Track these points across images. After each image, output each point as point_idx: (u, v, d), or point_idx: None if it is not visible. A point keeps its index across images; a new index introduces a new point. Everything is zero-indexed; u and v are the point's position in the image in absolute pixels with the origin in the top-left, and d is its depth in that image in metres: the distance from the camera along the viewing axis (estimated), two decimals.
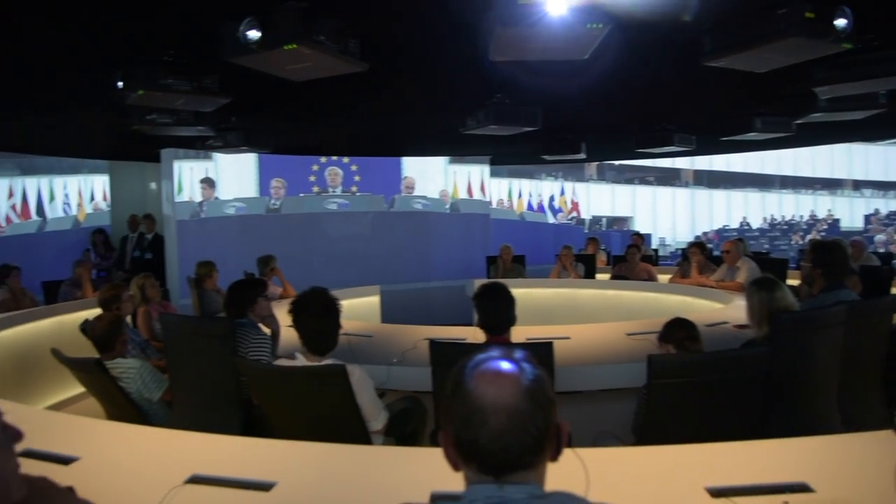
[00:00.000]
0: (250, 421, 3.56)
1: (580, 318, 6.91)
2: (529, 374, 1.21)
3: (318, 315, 2.94)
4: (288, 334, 4.20)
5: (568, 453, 1.42)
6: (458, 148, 10.39)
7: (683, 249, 10.12)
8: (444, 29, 4.17)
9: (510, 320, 3.35)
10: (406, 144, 10.35)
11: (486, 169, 11.46)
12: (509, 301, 3.33)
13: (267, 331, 3.99)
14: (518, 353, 1.27)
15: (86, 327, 4.83)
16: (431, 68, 5.19)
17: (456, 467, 1.24)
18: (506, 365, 1.22)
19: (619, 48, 4.14)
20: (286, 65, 3.69)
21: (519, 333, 3.58)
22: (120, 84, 4.38)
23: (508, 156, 11.15)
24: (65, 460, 2.15)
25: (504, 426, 1.15)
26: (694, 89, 6.05)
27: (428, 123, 7.91)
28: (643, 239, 10.98)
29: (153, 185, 10.86)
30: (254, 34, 3.47)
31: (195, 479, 2.01)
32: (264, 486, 1.95)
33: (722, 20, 3.69)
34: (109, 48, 4.52)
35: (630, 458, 2.20)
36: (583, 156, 8.82)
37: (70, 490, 1.35)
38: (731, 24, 3.65)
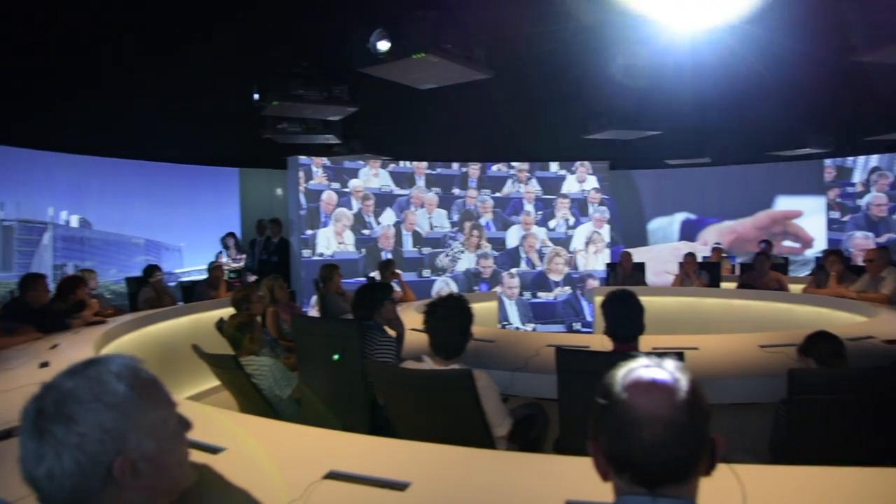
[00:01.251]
0: (376, 421, 3.64)
1: (706, 329, 6.64)
2: (685, 384, 1.17)
3: (449, 320, 2.97)
4: (412, 337, 4.30)
5: (722, 468, 1.36)
6: (577, 153, 10.27)
7: (818, 257, 9.55)
8: (567, 33, 4.15)
9: (639, 329, 3.26)
10: (524, 150, 10.34)
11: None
12: (639, 309, 3.25)
13: (392, 333, 4.07)
14: (670, 363, 1.23)
15: (221, 325, 5.11)
16: (554, 73, 5.17)
17: (605, 477, 1.22)
18: (660, 374, 1.19)
19: (752, 45, 3.97)
20: (413, 73, 3.78)
21: (644, 343, 3.49)
22: (256, 96, 4.61)
23: (628, 160, 10.89)
24: (213, 450, 2.27)
25: (659, 438, 1.12)
26: (838, 87, 5.71)
27: (546, 129, 7.87)
28: (772, 246, 10.43)
29: (279, 191, 11.37)
30: (383, 44, 3.57)
31: (333, 475, 2.08)
32: (399, 486, 1.99)
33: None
34: (246, 62, 4.79)
35: (789, 477, 2.08)
36: (707, 160, 8.50)
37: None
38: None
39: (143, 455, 1.14)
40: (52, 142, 8.72)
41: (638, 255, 10.32)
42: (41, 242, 9.08)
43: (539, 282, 10.89)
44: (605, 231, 11.20)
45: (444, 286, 10.70)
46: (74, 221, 9.50)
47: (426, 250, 10.73)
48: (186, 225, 10.78)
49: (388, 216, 10.58)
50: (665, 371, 1.19)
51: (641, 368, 1.21)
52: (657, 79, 4.60)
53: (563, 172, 11.11)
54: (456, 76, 3.85)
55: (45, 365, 4.01)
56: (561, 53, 4.62)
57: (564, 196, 11.06)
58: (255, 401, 3.80)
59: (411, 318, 4.44)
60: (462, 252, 10.86)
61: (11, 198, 8.77)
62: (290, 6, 3.87)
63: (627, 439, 1.14)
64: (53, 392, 1.13)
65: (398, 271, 7.19)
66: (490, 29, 3.82)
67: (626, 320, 3.27)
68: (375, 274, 7.19)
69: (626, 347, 3.25)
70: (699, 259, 8.88)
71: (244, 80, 4.97)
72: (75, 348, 4.58)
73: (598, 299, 7.84)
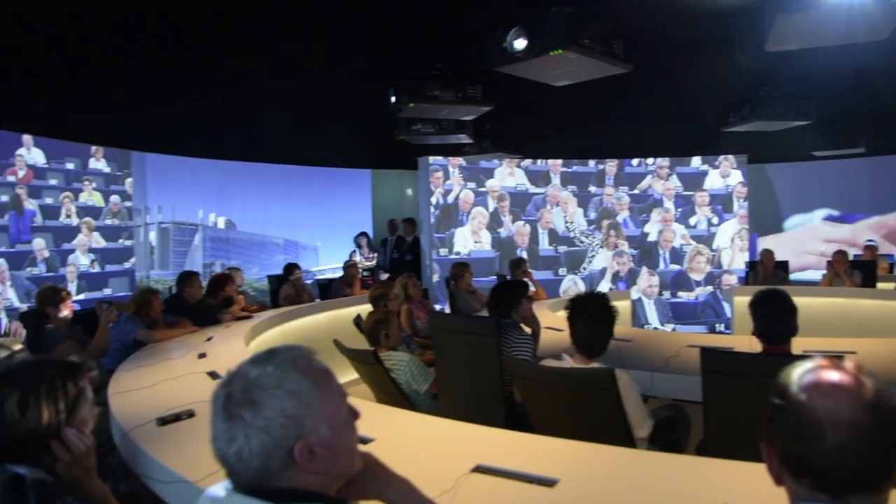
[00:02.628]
0: (512, 418, 3.65)
1: (860, 332, 6.18)
2: (871, 386, 1.10)
3: (593, 318, 2.94)
4: (544, 335, 4.29)
5: None
6: (713, 147, 9.85)
7: None
8: (706, 23, 3.99)
9: (792, 330, 3.09)
10: (659, 146, 10.04)
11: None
12: (791, 309, 3.08)
13: (528, 330, 4.08)
14: (850, 364, 1.16)
15: (359, 321, 5.30)
16: (693, 64, 4.99)
17: (779, 481, 1.16)
18: (842, 375, 1.12)
19: None
20: (550, 70, 3.76)
21: (794, 345, 3.30)
22: (392, 99, 4.74)
23: (770, 153, 10.30)
24: (363, 440, 2.36)
25: (844, 442, 1.05)
26: None
27: (685, 123, 7.61)
28: None
29: (409, 192, 11.65)
30: (520, 43, 3.57)
31: (480, 469, 2.11)
32: (548, 482, 1.99)
33: None
34: (381, 65, 4.93)
35: None
36: (861, 150, 7.90)
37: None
38: None
39: (320, 440, 1.21)
40: (202, 149, 9.39)
41: (773, 242, 9.77)
42: (192, 243, 9.77)
43: (679, 281, 10.51)
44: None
45: (571, 285, 10.58)
46: (221, 223, 10.16)
47: (562, 249, 10.64)
48: (322, 225, 11.27)
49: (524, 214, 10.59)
50: (846, 372, 1.12)
51: (820, 368, 1.14)
52: (808, 62, 4.33)
53: (705, 167, 10.66)
54: (594, 71, 3.80)
55: (202, 356, 4.31)
56: (700, 42, 4.44)
57: (706, 192, 10.60)
58: (393, 395, 3.90)
59: (543, 316, 4.42)
60: (599, 249, 10.68)
61: (168, 202, 9.50)
62: (425, 9, 3.94)
63: (808, 443, 1.08)
64: (240, 379, 1.22)
65: (529, 270, 7.18)
66: (628, 22, 3.74)
67: (777, 321, 3.10)
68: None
69: (776, 349, 3.09)
70: (850, 257, 8.29)
71: (378, 84, 5.12)
72: (227, 341, 4.89)
73: (739, 299, 7.50)
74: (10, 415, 1.60)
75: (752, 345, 3.32)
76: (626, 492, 1.96)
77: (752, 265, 8.81)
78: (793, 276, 8.92)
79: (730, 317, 9.77)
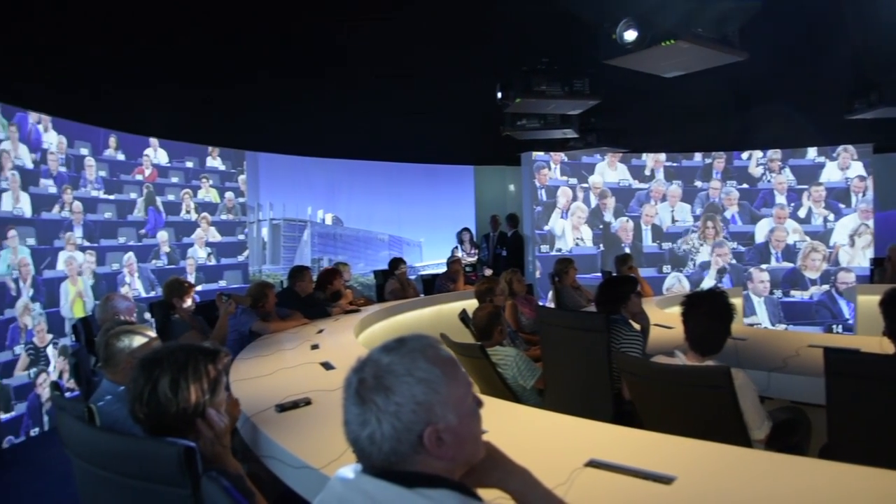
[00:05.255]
0: (620, 415, 3.60)
1: None
2: None
3: (709, 315, 2.86)
4: (654, 333, 4.20)
5: None
6: (832, 136, 9.31)
7: None
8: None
9: None
10: (771, 137, 9.59)
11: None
12: None
13: (637, 327, 4.01)
14: None
15: (465, 316, 5.35)
16: (813, 49, 4.74)
17: None
18: None
19: None
20: (661, 61, 3.67)
21: None
22: (499, 94, 4.75)
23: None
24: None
25: None
26: None
27: (801, 112, 7.24)
28: None
29: (511, 187, 11.64)
30: (630, 34, 3.50)
31: (593, 464, 2.09)
32: (664, 479, 1.95)
33: None
34: (489, 62, 4.95)
35: None
36: None
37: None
38: None
39: (447, 427, 1.25)
40: (311, 148, 9.74)
41: None
42: (301, 238, 10.14)
43: (792, 279, 9.99)
44: (873, 223, 9.94)
45: (675, 282, 10.29)
46: (329, 219, 10.49)
47: (666, 245, 10.36)
48: (425, 221, 11.44)
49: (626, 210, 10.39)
50: None
51: None
52: None
53: (821, 159, 10.08)
54: (708, 61, 3.67)
55: (315, 347, 4.46)
56: (821, 24, 4.22)
57: (821, 185, 10.02)
58: (498, 389, 3.92)
59: (650, 313, 4.31)
60: (701, 246, 10.33)
61: (278, 199, 9.90)
62: (532, 3, 3.93)
63: None
64: (372, 365, 1.27)
65: (635, 266, 7.04)
66: (744, 7, 3.59)
67: None
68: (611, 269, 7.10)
69: None
70: None
71: (483, 80, 5.15)
72: (338, 334, 5.05)
73: (863, 298, 7.07)
74: (163, 395, 1.76)
75: (883, 346, 3.13)
76: (748, 493, 1.90)
77: (877, 262, 8.28)
78: None
79: (849, 317, 9.23)
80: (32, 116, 6.11)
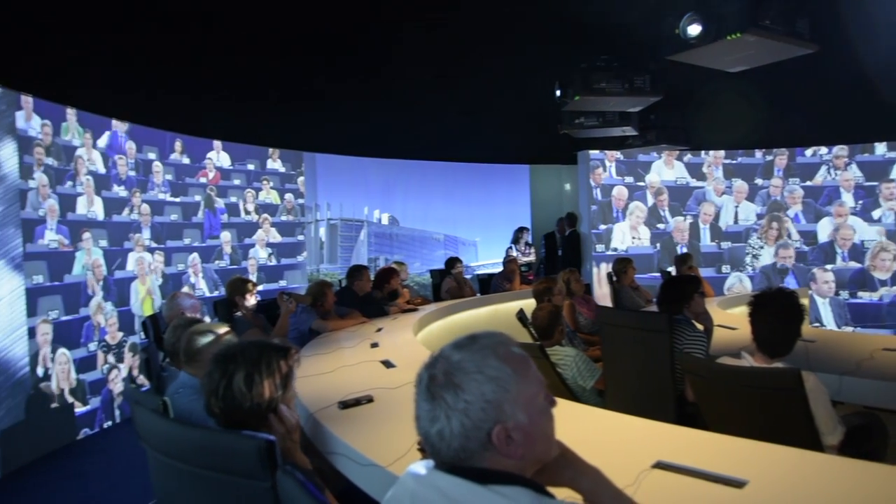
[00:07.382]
0: (683, 416, 3.54)
1: None
2: None
3: (777, 316, 2.79)
4: (718, 334, 4.11)
5: None
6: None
7: None
8: None
9: None
10: (836, 132, 9.27)
11: None
12: None
13: (700, 327, 3.93)
14: None
15: (522, 315, 5.33)
16: (882, 37, 4.57)
17: None
18: None
19: None
20: (725, 56, 3.59)
21: None
22: (557, 92, 4.72)
23: None
24: None
25: None
26: None
27: (869, 106, 6.99)
28: None
29: (567, 187, 11.55)
30: (694, 28, 3.44)
31: (661, 465, 2.06)
32: (735, 483, 1.91)
33: None
34: (545, 60, 4.93)
35: None
36: None
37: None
38: None
39: (517, 425, 1.25)
40: (367, 149, 9.86)
41: None
42: (358, 238, 10.26)
43: (859, 280, 9.62)
44: None
45: (736, 282, 10.04)
46: (385, 219, 10.58)
47: (725, 245, 10.13)
48: (481, 221, 11.44)
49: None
50: None
51: None
52: None
53: (892, 154, 9.68)
54: (775, 54, 3.58)
55: (375, 345, 4.51)
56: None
57: (893, 182, 9.61)
58: (558, 389, 3.90)
59: (712, 313, 4.22)
60: (762, 247, 10.06)
61: (336, 199, 10.04)
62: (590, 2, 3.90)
63: None
64: (443, 362, 1.28)
65: (695, 266, 6.91)
66: None
67: None
68: (671, 269, 6.97)
69: None
70: None
71: (541, 78, 5.13)
72: (397, 332, 5.09)
73: None
74: (237, 390, 1.80)
75: None
76: (824, 499, 1.84)
77: None
78: None
79: None
80: (116, 124, 6.38)
